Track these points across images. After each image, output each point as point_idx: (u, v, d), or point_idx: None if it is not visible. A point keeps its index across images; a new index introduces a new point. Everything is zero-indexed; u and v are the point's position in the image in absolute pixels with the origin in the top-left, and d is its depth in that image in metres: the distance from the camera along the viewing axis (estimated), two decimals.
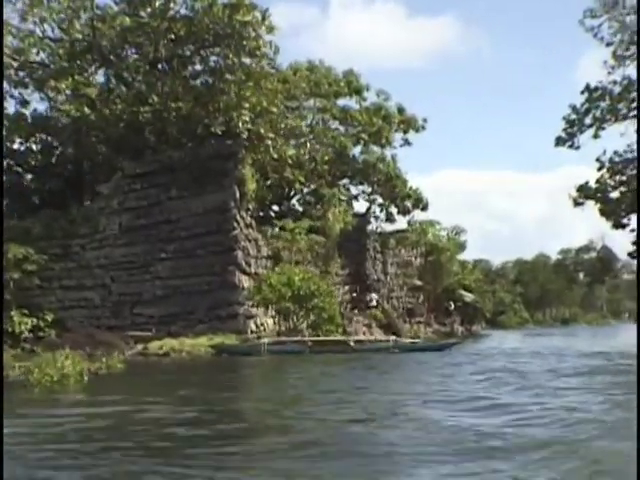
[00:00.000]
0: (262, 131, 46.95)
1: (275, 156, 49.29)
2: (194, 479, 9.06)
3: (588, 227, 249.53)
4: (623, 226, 49.64)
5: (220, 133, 45.34)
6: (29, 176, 51.01)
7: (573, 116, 49.23)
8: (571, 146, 49.44)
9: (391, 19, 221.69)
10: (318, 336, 39.40)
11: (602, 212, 49.65)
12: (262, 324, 43.36)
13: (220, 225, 42.66)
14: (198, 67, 49.40)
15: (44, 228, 44.45)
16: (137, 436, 12.29)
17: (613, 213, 49.45)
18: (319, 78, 60.87)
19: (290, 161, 51.60)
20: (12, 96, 49.80)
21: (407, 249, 67.97)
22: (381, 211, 67.22)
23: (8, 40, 46.65)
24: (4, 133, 47.86)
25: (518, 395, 17.02)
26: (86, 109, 44.57)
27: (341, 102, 64.18)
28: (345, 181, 66.75)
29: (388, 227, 66.81)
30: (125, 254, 44.23)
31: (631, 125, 47.16)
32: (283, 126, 51.55)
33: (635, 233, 49.42)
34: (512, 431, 11.98)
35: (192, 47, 47.93)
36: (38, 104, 52.32)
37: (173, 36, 46.46)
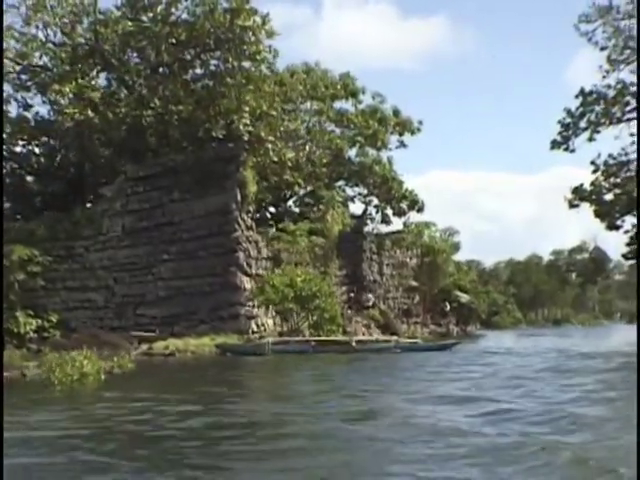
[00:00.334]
0: (262, 134, 47.54)
1: (275, 159, 49.85)
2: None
3: (578, 228, 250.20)
4: (617, 228, 50.26)
5: (221, 136, 46.03)
6: (31, 178, 51.41)
7: (568, 120, 49.74)
8: (566, 149, 50.01)
9: (383, 20, 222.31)
10: (319, 336, 40.00)
11: (597, 214, 50.26)
12: (263, 324, 44.01)
13: (222, 227, 43.29)
14: (199, 71, 50.02)
15: (48, 230, 45.06)
16: (183, 428, 13.17)
17: (607, 215, 50.04)
18: (315, 81, 61.19)
19: (290, 164, 52.12)
20: (15, 99, 50.32)
21: (402, 250, 68.54)
22: (377, 212, 67.78)
23: (11, 44, 47.24)
24: (6, 136, 48.50)
25: (518, 396, 17.50)
26: (90, 112, 45.03)
27: (337, 104, 64.65)
28: (341, 183, 67.32)
29: (383, 228, 67.47)
30: (128, 256, 44.89)
31: (625, 128, 47.85)
32: (282, 129, 52.18)
33: (629, 235, 50.14)
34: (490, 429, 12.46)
35: (193, 51, 48.52)
36: (39, 107, 52.91)
37: (174, 40, 47.07)
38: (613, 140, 48.79)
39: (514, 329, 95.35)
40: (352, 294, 57.81)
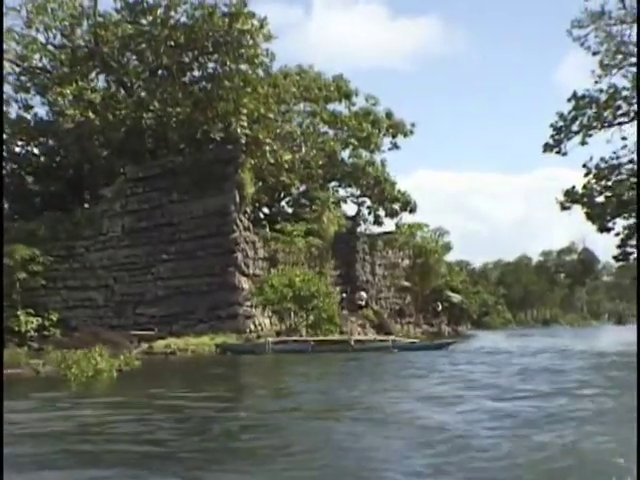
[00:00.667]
0: (260, 136, 48.18)
1: (272, 160, 50.47)
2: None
3: (565, 229, 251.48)
4: (608, 230, 51.00)
5: (219, 139, 46.70)
6: (31, 179, 51.91)
7: (560, 123, 50.50)
8: (558, 152, 50.76)
9: (373, 20, 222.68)
10: (317, 335, 40.63)
11: (588, 216, 50.95)
12: (260, 324, 44.62)
13: (220, 228, 43.94)
14: (196, 73, 50.68)
15: (49, 230, 45.68)
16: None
17: (599, 217, 50.73)
18: (308, 83, 61.75)
19: (286, 165, 52.76)
20: (16, 101, 50.90)
21: (394, 251, 69.19)
22: (369, 213, 68.44)
23: (12, 46, 47.84)
24: (6, 137, 49.07)
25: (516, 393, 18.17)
26: (91, 114, 45.60)
27: (330, 106, 65.15)
28: (334, 184, 67.93)
29: (376, 229, 68.13)
30: (128, 255, 45.54)
31: (617, 132, 48.65)
32: (279, 131, 52.85)
33: (620, 237, 50.91)
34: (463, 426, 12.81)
35: (191, 54, 49.16)
36: (38, 108, 53.45)
37: (173, 43, 47.71)
38: (605, 144, 49.47)
39: (504, 329, 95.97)
40: (345, 294, 58.37)
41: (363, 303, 58.27)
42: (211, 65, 49.76)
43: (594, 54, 48.82)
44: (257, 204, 58.67)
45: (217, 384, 21.55)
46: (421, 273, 69.66)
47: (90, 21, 49.20)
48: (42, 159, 52.34)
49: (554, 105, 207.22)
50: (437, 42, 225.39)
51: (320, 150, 61.20)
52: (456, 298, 76.46)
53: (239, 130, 46.32)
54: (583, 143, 49.76)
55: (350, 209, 67.75)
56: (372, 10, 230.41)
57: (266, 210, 63.75)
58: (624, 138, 48.38)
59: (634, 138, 47.72)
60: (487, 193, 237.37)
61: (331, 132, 65.38)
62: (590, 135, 49.72)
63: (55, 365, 24.46)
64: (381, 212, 68.00)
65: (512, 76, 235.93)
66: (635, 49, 46.76)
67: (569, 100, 50.07)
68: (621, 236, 50.73)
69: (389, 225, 68.75)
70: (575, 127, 50.12)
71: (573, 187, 51.19)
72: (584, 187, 50.54)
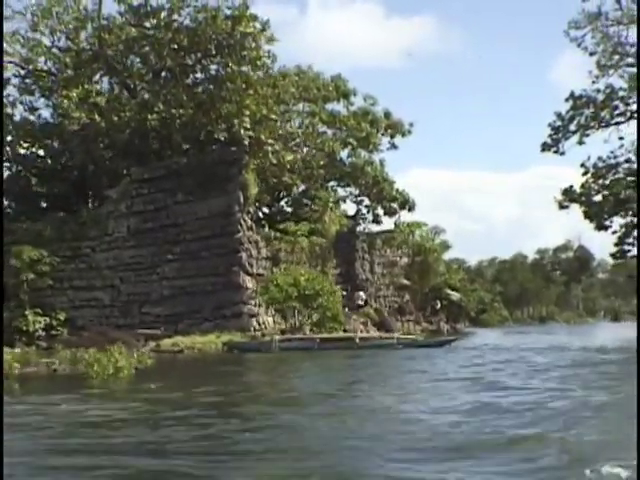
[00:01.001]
0: (262, 137, 48.78)
1: (274, 161, 51.10)
2: None
3: (559, 226, 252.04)
4: (606, 228, 51.76)
5: (222, 140, 47.33)
6: (35, 180, 52.36)
7: (558, 123, 51.22)
8: (556, 152, 51.52)
9: (369, 19, 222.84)
10: (321, 333, 41.25)
11: (586, 214, 51.70)
12: (263, 322, 45.26)
13: (225, 228, 44.56)
14: (199, 75, 51.23)
15: (55, 231, 46.19)
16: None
17: (596, 216, 51.49)
18: (307, 83, 62.17)
19: (288, 166, 53.36)
20: (21, 102, 51.49)
21: (393, 249, 69.81)
22: (368, 212, 69.01)
23: (17, 49, 48.45)
24: (11, 138, 49.65)
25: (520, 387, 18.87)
26: (97, 116, 46.18)
27: (329, 106, 65.50)
28: (333, 183, 68.43)
29: (374, 228, 68.74)
30: (133, 256, 46.14)
31: (614, 132, 49.40)
32: (281, 132, 53.48)
33: (617, 235, 51.66)
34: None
35: (194, 56, 49.73)
36: (42, 110, 53.94)
37: (176, 46, 48.29)
38: (602, 143, 50.16)
39: (501, 327, 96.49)
40: (345, 292, 58.91)
41: (362, 302, 58.83)
42: (213, 67, 50.37)
43: (591, 54, 49.58)
44: (257, 204, 59.25)
45: (237, 381, 22.26)
46: (420, 271, 70.36)
47: (94, 24, 49.79)
48: (49, 160, 52.68)
49: (549, 103, 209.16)
50: (432, 41, 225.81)
51: (320, 150, 61.72)
52: (455, 296, 77.23)
53: (242, 131, 46.89)
54: (581, 143, 50.51)
55: (349, 208, 68.43)
56: (368, 9, 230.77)
57: (265, 210, 64.30)
58: (621, 138, 49.32)
59: (631, 138, 48.58)
60: (481, 191, 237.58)
61: (330, 132, 65.67)
62: (587, 135, 50.49)
63: (70, 363, 25.20)
64: (380, 211, 68.52)
65: (507, 75, 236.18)
66: (632, 50, 47.56)
67: (567, 100, 50.80)
68: (618, 234, 51.50)
69: (387, 224, 69.41)
70: (573, 127, 50.88)
71: (571, 186, 51.95)
72: (582, 186, 51.27)
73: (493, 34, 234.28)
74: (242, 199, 45.08)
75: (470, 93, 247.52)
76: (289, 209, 65.86)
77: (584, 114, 50.45)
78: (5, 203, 50.04)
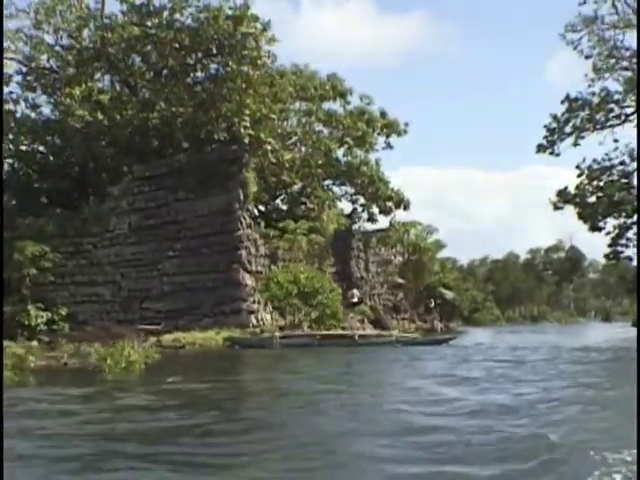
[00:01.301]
0: (262, 136, 49.36)
1: (273, 160, 51.70)
2: None
3: (549, 226, 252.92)
4: (600, 229, 52.47)
5: (222, 139, 47.93)
6: (36, 176, 52.80)
7: (554, 125, 51.91)
8: (551, 153, 52.25)
9: (361, 16, 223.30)
10: (320, 330, 41.85)
11: (580, 215, 52.40)
12: (262, 319, 45.86)
13: (225, 226, 45.15)
14: (199, 74, 51.78)
15: (57, 227, 46.70)
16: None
17: (590, 217, 52.18)
18: (304, 82, 62.68)
19: (287, 165, 53.96)
20: (25, 100, 51.97)
21: (387, 248, 70.42)
22: (363, 211, 69.53)
23: (20, 46, 49.01)
24: (13, 135, 50.15)
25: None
26: (99, 114, 46.73)
27: (325, 105, 65.93)
28: (328, 182, 68.94)
29: (369, 226, 69.31)
30: (134, 252, 46.69)
31: (609, 134, 50.14)
32: (280, 131, 54.09)
33: (610, 236, 52.37)
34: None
35: (195, 56, 50.26)
36: (43, 108, 54.44)
37: (178, 45, 48.84)
38: (596, 146, 50.95)
39: (494, 326, 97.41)
40: (341, 290, 59.41)
41: (356, 300, 59.35)
42: (213, 66, 50.92)
43: (587, 58, 50.39)
44: (254, 202, 59.78)
45: (247, 373, 22.95)
46: (415, 270, 71.04)
47: (97, 23, 50.30)
48: (51, 157, 53.10)
49: (541, 102, 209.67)
50: (423, 38, 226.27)
51: (317, 149, 62.21)
52: (449, 295, 78.01)
53: (242, 130, 47.49)
54: (576, 144, 51.20)
55: (344, 207, 68.97)
56: (359, 7, 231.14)
57: (261, 207, 64.78)
58: (616, 140, 50.04)
59: (625, 140, 49.33)
60: (471, 190, 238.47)
61: (326, 131, 66.15)
62: (583, 137, 51.20)
63: (80, 357, 25.84)
64: (375, 210, 69.03)
65: (501, 74, 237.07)
66: (627, 53, 48.35)
67: (562, 102, 51.53)
68: (612, 235, 52.21)
69: (382, 222, 69.97)
70: (568, 129, 51.55)
71: (565, 188, 52.67)
72: (577, 188, 51.97)
73: (484, 31, 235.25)
74: (242, 197, 45.67)
75: (460, 91, 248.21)
76: (284, 207, 66.37)
77: (579, 116, 51.15)
78: (7, 199, 50.54)
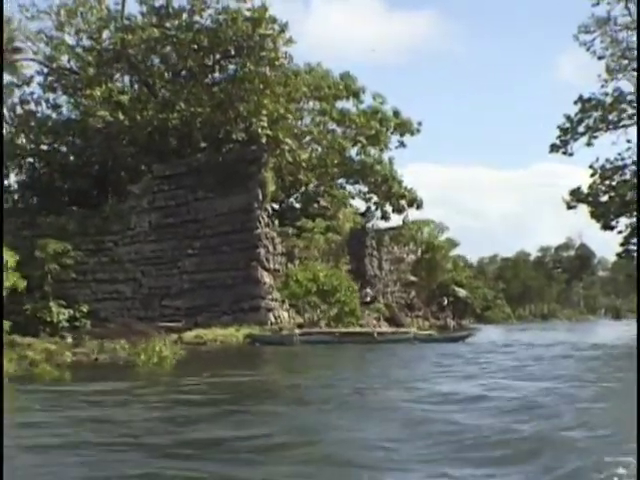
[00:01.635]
0: (280, 136, 50.04)
1: (290, 159, 52.37)
2: None
3: (558, 224, 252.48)
4: (612, 228, 52.92)
5: (240, 139, 48.61)
6: (57, 175, 53.47)
7: (567, 125, 52.39)
8: (565, 153, 52.73)
9: (370, 13, 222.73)
10: (338, 327, 42.54)
11: (593, 214, 52.84)
12: (279, 316, 46.53)
13: (244, 224, 45.86)
14: (217, 75, 52.43)
15: (79, 225, 47.42)
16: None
17: (602, 216, 52.62)
18: (318, 81, 63.07)
19: (304, 164, 54.60)
20: (46, 100, 52.74)
21: (400, 246, 70.97)
22: (376, 209, 70.15)
23: (41, 47, 49.80)
24: (34, 136, 50.93)
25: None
26: (120, 115, 47.44)
27: (338, 104, 66.30)
28: (342, 180, 69.48)
29: (382, 224, 69.90)
30: (154, 250, 47.46)
31: (622, 134, 50.60)
32: (296, 131, 54.74)
33: (623, 235, 52.85)
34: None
35: (213, 57, 50.93)
36: (64, 108, 55.17)
37: (197, 46, 49.53)
38: (610, 145, 51.33)
39: (505, 323, 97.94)
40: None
41: (369, 299, 59.91)
42: (232, 67, 51.56)
43: (599, 58, 50.83)
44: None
45: (277, 368, 23.75)
46: (428, 268, 71.56)
47: (117, 24, 51.05)
48: (70, 157, 53.80)
49: (548, 101, 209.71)
50: (431, 35, 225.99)
51: (330, 148, 62.72)
52: (462, 293, 78.54)
53: (260, 130, 48.17)
54: (589, 144, 51.65)
55: (358, 205, 69.54)
56: (368, 3, 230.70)
57: (275, 206, 65.30)
58: (628, 141, 50.40)
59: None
60: (478, 188, 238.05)
61: (339, 130, 66.60)
62: (596, 137, 51.62)
63: (111, 352, 26.66)
64: (388, 208, 69.58)
65: (509, 71, 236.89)
66: None
67: (575, 103, 51.95)
68: (624, 234, 52.67)
69: (394, 220, 70.52)
70: (581, 129, 51.98)
71: (578, 187, 53.09)
72: (590, 187, 52.40)
73: (493, 29, 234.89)
74: (261, 196, 46.37)
75: (469, 88, 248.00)
76: (298, 205, 66.87)
77: (592, 116, 51.59)
78: (29, 197, 51.45)
